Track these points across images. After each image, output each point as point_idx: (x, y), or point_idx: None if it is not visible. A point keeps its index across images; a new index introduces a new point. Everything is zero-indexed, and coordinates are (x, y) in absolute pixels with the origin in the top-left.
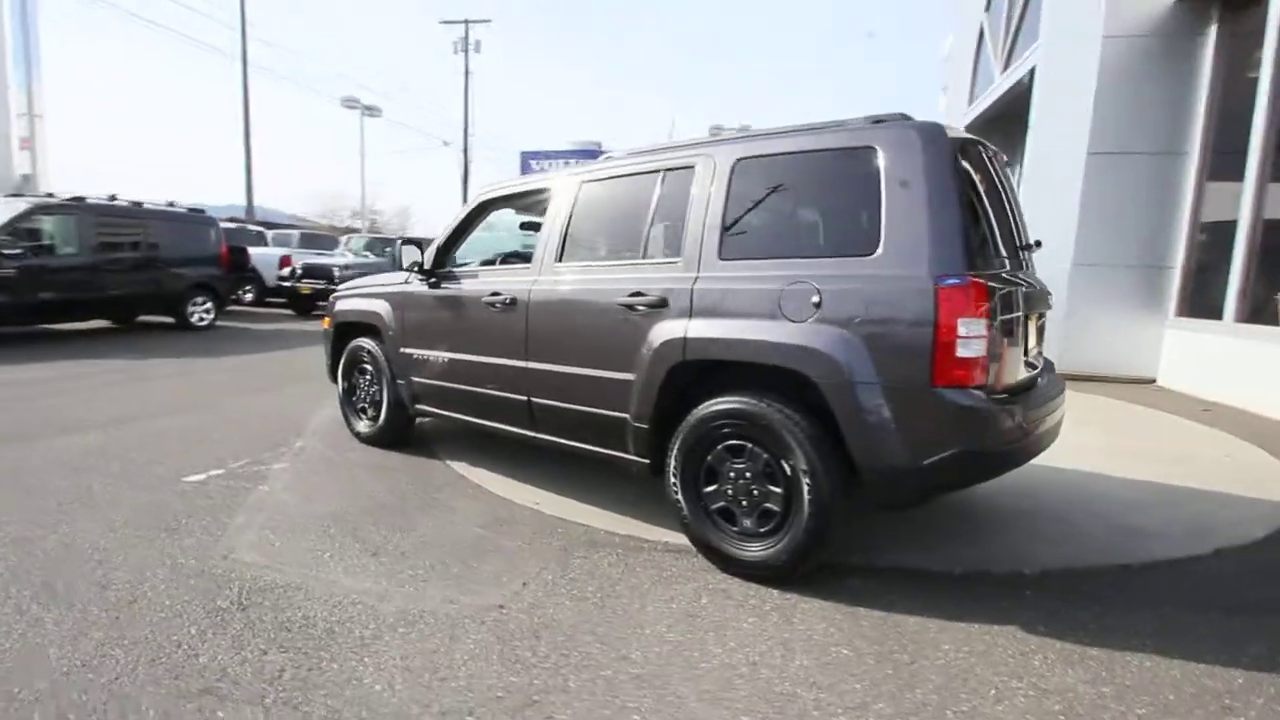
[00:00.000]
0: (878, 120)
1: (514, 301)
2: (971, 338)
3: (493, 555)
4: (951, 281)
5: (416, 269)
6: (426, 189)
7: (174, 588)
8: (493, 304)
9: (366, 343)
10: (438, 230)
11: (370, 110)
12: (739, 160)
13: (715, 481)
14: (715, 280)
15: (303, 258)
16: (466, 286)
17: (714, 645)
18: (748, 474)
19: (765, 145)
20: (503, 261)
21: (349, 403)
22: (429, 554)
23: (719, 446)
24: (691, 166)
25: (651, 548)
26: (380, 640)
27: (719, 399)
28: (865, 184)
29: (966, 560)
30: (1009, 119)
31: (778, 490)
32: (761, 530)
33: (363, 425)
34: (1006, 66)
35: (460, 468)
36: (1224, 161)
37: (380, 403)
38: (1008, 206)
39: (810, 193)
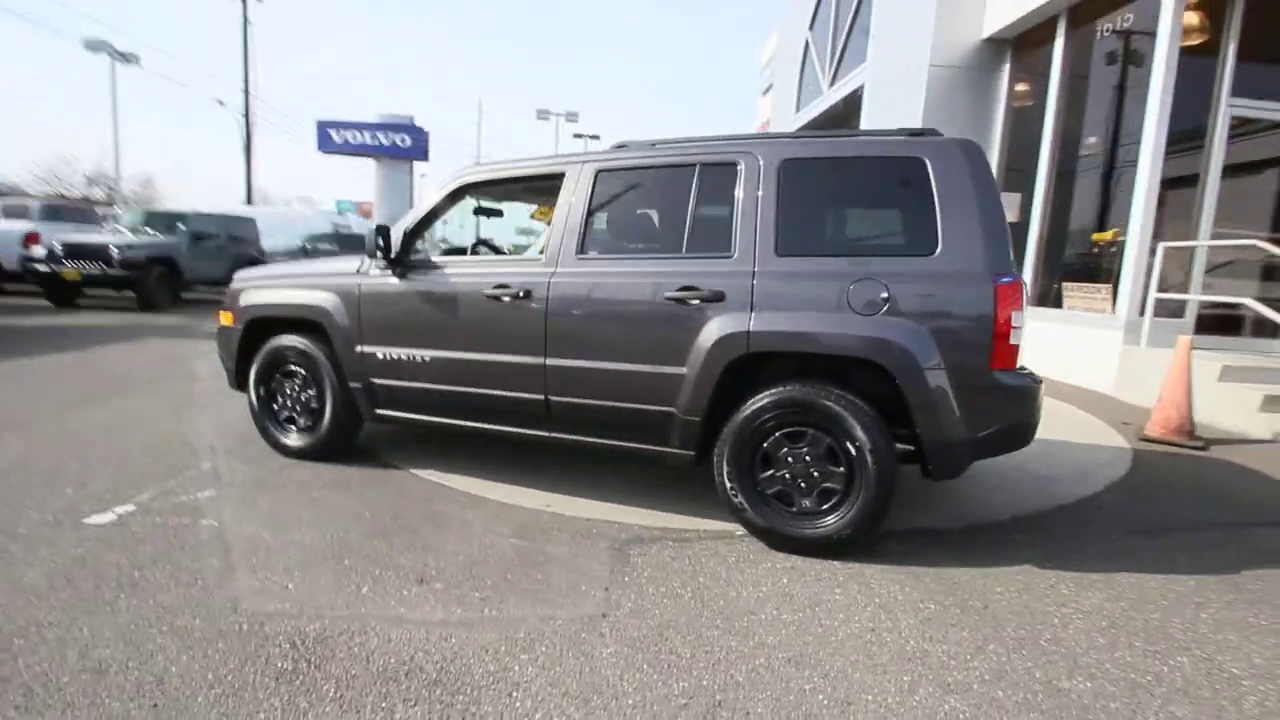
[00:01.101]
0: (916, 133)
1: (528, 295)
2: (1018, 327)
3: (548, 564)
4: (1006, 279)
5: (380, 257)
6: (196, 158)
7: (202, 658)
8: (498, 298)
9: (296, 341)
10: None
11: (125, 58)
12: (786, 161)
13: (771, 467)
14: (775, 276)
15: (57, 234)
16: (455, 279)
17: (826, 619)
18: (808, 457)
19: (811, 149)
20: (471, 251)
21: (268, 413)
22: (482, 572)
23: (776, 434)
24: (734, 164)
25: (695, 537)
26: (511, 671)
27: (775, 390)
28: (917, 190)
29: (956, 517)
30: (832, 127)
31: (839, 470)
32: (822, 508)
33: (293, 438)
34: (834, 82)
35: (431, 475)
36: (1014, 176)
37: (320, 410)
38: None
39: (862, 196)
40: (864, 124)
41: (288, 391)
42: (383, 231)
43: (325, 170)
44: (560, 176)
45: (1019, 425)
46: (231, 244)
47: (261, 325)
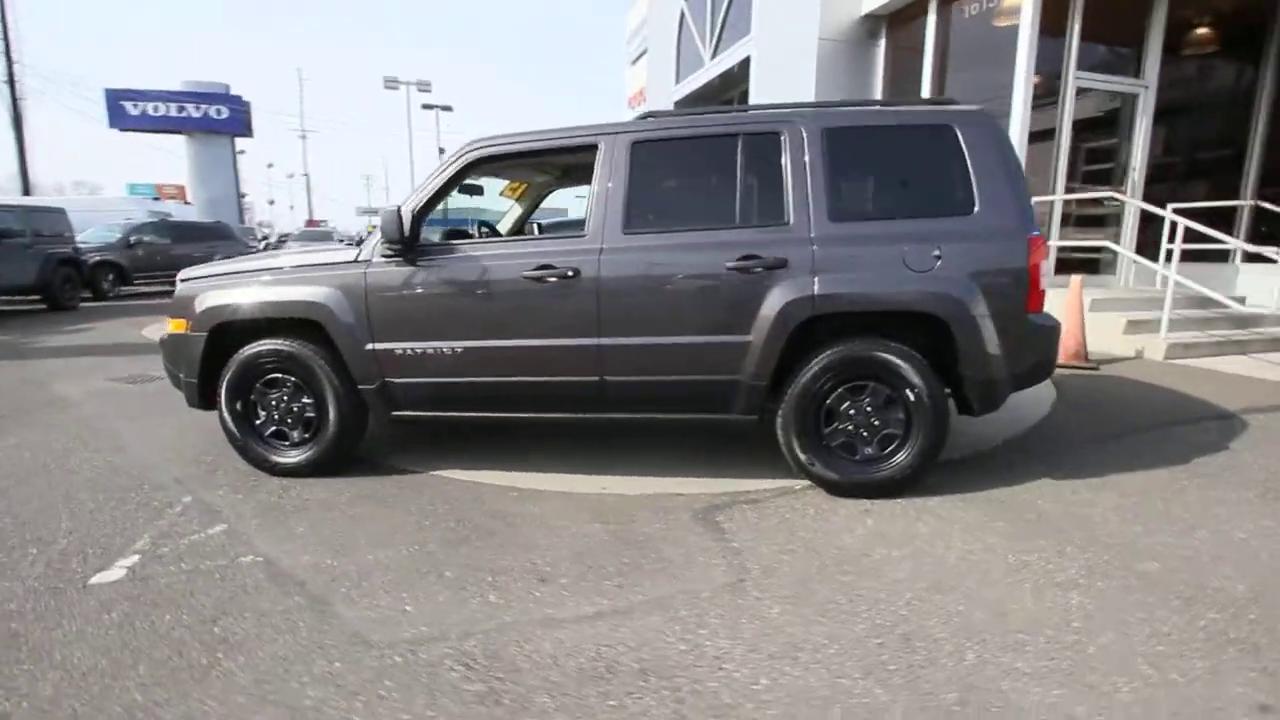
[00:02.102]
0: (938, 102)
1: (576, 275)
2: (1044, 274)
3: (651, 543)
4: (1035, 232)
5: (391, 244)
6: None
7: (383, 701)
8: (541, 279)
9: (280, 345)
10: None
11: None
12: (828, 130)
13: (833, 421)
14: (833, 240)
15: None
16: (484, 262)
17: (930, 549)
18: (869, 407)
19: (850, 119)
20: (482, 232)
21: (247, 430)
22: (595, 561)
23: (839, 389)
24: (776, 134)
25: (762, 496)
26: (705, 647)
27: (835, 349)
28: (951, 155)
29: (960, 448)
30: (713, 97)
31: (899, 416)
32: (884, 453)
33: (286, 454)
34: (716, 54)
35: (456, 475)
36: None
37: (320, 419)
38: None
39: (900, 161)
40: (754, 94)
41: (273, 403)
42: (403, 216)
43: (111, 150)
44: (591, 149)
45: (1047, 360)
46: (38, 241)
47: (231, 331)
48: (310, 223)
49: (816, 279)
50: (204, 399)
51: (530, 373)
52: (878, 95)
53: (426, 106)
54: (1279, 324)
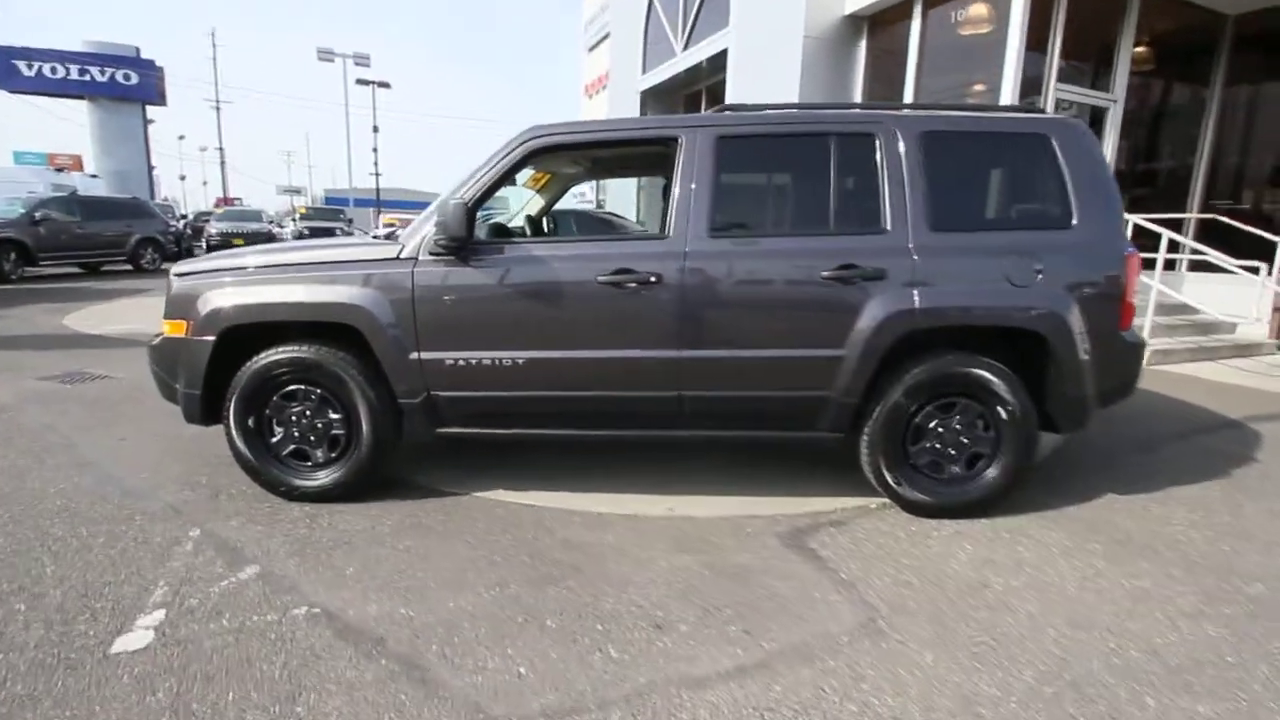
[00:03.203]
0: (1026, 110)
1: (658, 281)
2: (1136, 291)
3: (754, 576)
4: (1130, 249)
5: (451, 240)
6: None
7: None
8: (618, 284)
9: (303, 352)
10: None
11: None
12: (925, 135)
13: (921, 439)
14: (934, 251)
15: None
16: (551, 263)
17: (1044, 576)
18: (958, 425)
19: (945, 123)
20: (532, 228)
21: (261, 450)
22: (705, 602)
23: (928, 406)
24: (870, 135)
25: (845, 517)
26: (875, 703)
27: (928, 365)
28: (1048, 166)
29: None
30: (681, 88)
31: (988, 434)
32: (969, 472)
33: (313, 478)
34: (688, 45)
35: (502, 496)
36: None
37: (349, 436)
38: None
39: (999, 171)
40: (731, 89)
41: (292, 419)
42: (464, 209)
43: None
44: (668, 142)
45: (1131, 377)
46: None
47: (245, 335)
48: (225, 201)
49: (917, 291)
50: (207, 413)
51: (600, 387)
52: (857, 97)
53: (362, 82)
54: (1231, 330)
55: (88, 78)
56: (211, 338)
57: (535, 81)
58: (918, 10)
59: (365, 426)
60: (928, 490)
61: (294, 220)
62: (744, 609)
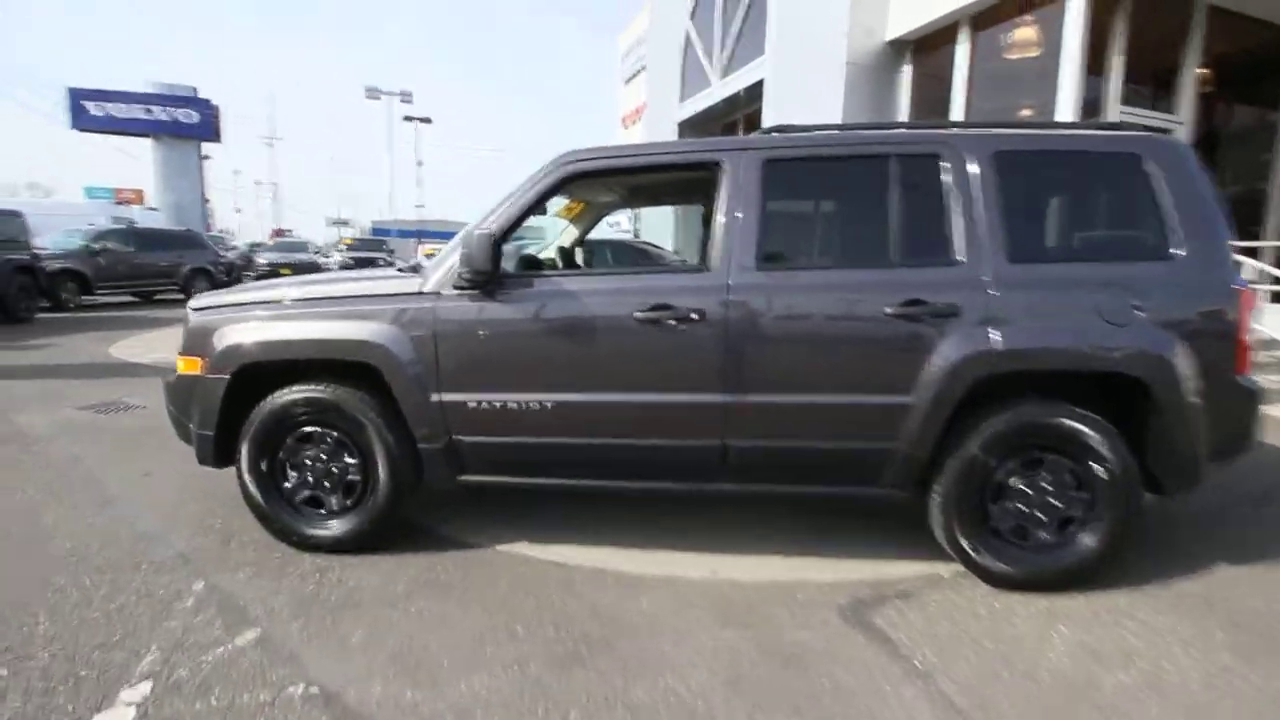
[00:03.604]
0: (1115, 126)
1: (701, 317)
2: (1252, 331)
3: (811, 660)
4: (1242, 283)
5: (476, 273)
6: None
7: None
8: (656, 321)
9: (321, 392)
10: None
11: None
12: (998, 154)
13: (1002, 499)
14: (1014, 285)
15: None
16: (583, 298)
17: (1155, 670)
18: (1047, 484)
19: (1021, 141)
20: (564, 261)
21: (274, 495)
22: (767, 695)
23: (1011, 462)
24: (934, 155)
25: (912, 589)
26: None
27: (1008, 413)
28: (1142, 189)
29: None
30: (719, 118)
31: (1081, 495)
32: (1060, 539)
33: (326, 527)
34: (726, 75)
35: (524, 550)
36: None
37: (365, 482)
38: None
39: (1084, 194)
40: (769, 117)
41: (307, 463)
42: (489, 240)
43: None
44: (711, 166)
45: (1250, 429)
46: None
47: (261, 373)
48: (278, 232)
49: (996, 330)
50: (220, 455)
51: (635, 434)
52: (903, 117)
53: (408, 118)
54: None
55: (151, 116)
56: (226, 376)
57: (574, 115)
58: (964, 34)
59: (382, 473)
60: (1011, 559)
61: (339, 251)
62: (802, 703)
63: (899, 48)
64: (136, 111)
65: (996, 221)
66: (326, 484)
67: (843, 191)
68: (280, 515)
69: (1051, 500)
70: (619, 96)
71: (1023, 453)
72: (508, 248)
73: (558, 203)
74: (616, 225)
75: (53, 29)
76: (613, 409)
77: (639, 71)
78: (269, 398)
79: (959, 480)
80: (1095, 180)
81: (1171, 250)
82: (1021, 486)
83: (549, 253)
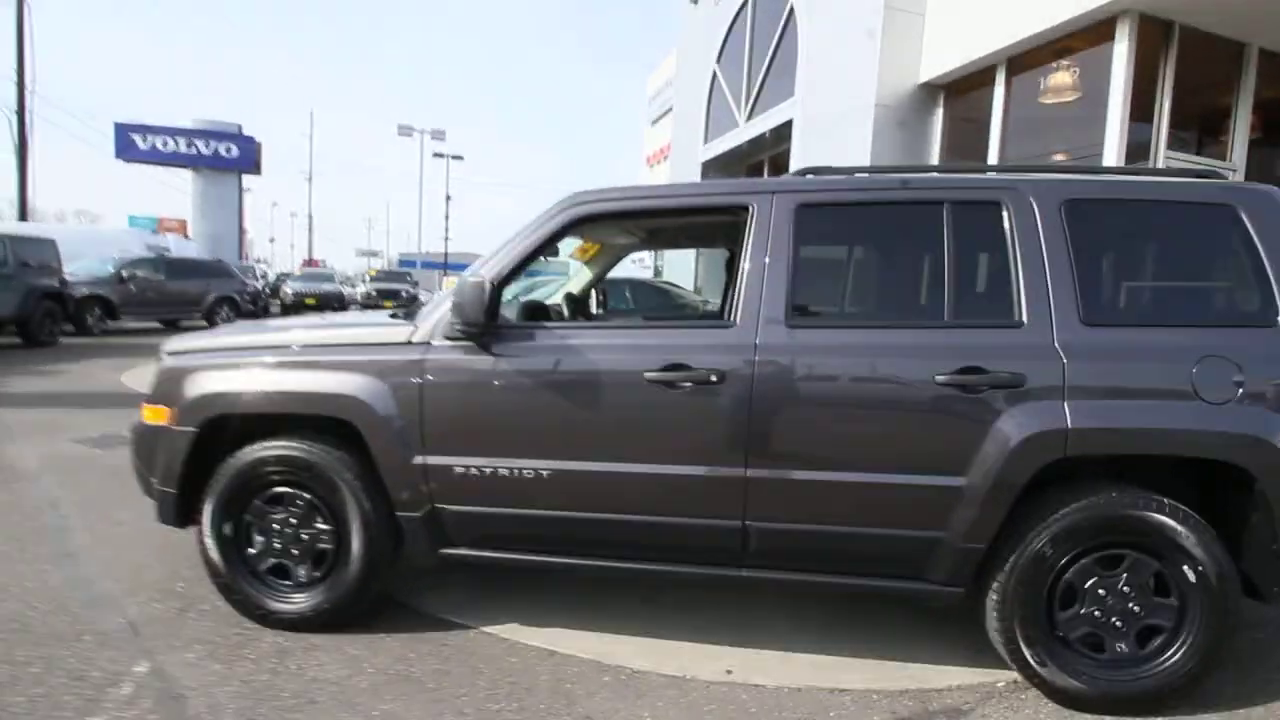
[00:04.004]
0: (1201, 174)
1: (721, 380)
2: None
3: None
4: None
5: (467, 325)
6: None
7: None
8: (670, 383)
9: (295, 449)
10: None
11: None
12: (1069, 203)
13: (1073, 603)
14: (1090, 352)
15: None
16: (588, 354)
17: None
18: (1126, 587)
19: (1097, 188)
20: (571, 311)
21: (238, 563)
22: None
23: (1084, 559)
24: (996, 203)
25: (957, 701)
26: None
27: (1083, 502)
28: (1237, 245)
29: None
30: (744, 159)
31: (1168, 601)
32: (1141, 652)
33: (292, 601)
34: (752, 116)
35: (510, 633)
36: None
37: (335, 554)
38: None
39: (1165, 249)
40: (797, 158)
41: (274, 527)
42: (488, 290)
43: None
44: (737, 211)
45: None
46: (23, 272)
47: (226, 426)
48: (309, 262)
49: (1070, 405)
50: (182, 514)
51: (644, 510)
52: (934, 160)
53: (438, 155)
54: None
55: (194, 150)
56: (192, 429)
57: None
58: (1000, 77)
59: (356, 543)
60: (1081, 673)
61: (364, 281)
62: None
63: (932, 91)
64: (180, 145)
65: (1066, 278)
66: (295, 552)
67: (887, 241)
68: (242, 585)
69: (1132, 606)
70: (645, 137)
71: (1098, 549)
72: (518, 292)
73: (572, 243)
74: (640, 261)
75: (113, 66)
76: (618, 480)
77: (666, 113)
78: (237, 454)
79: (1021, 578)
80: (1181, 234)
81: (1277, 316)
82: (1096, 588)
83: (558, 298)
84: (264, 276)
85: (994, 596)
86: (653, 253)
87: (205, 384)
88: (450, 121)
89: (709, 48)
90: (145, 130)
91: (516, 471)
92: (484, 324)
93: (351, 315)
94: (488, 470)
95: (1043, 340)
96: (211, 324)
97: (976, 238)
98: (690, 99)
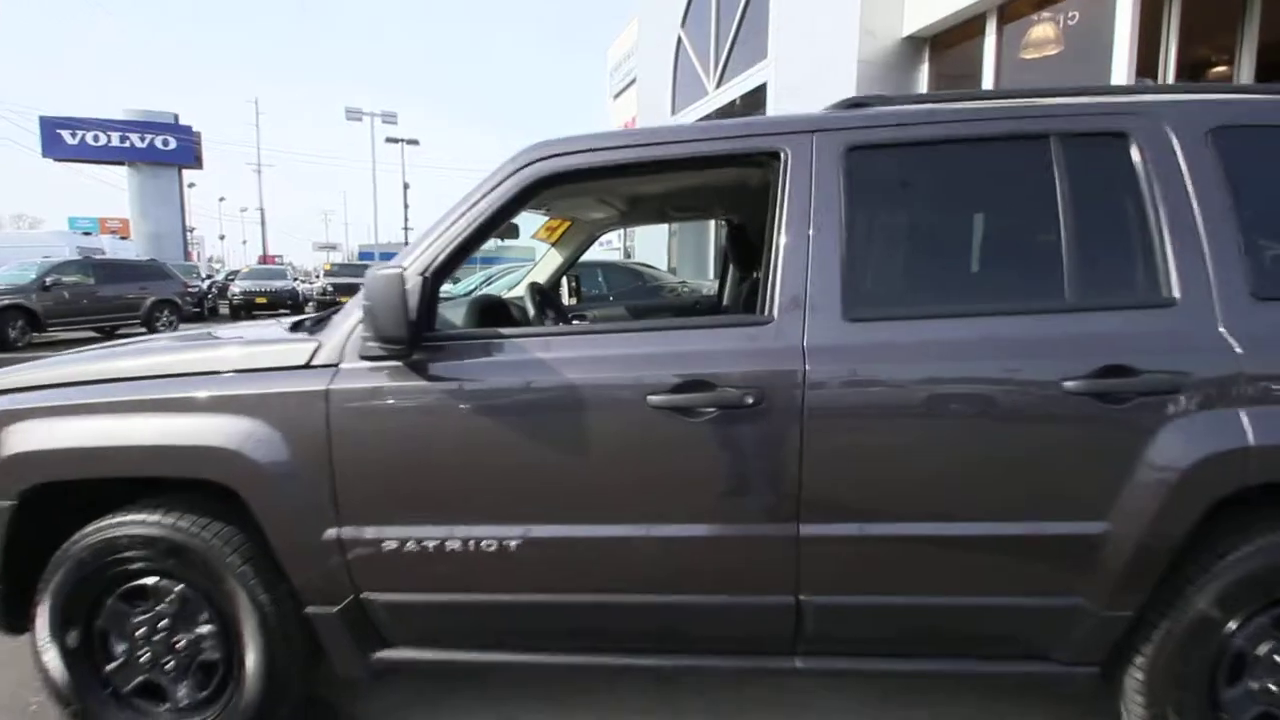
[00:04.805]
0: None
1: (758, 401)
2: None
3: None
4: None
5: (385, 342)
6: None
7: None
8: (687, 409)
9: (157, 524)
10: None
11: None
12: (1217, 131)
13: (1243, 678)
14: (1272, 338)
15: None
16: (563, 370)
17: None
18: None
19: (1264, 110)
20: (539, 311)
21: (91, 682)
22: None
23: (1262, 617)
24: (1122, 134)
25: None
26: None
27: (1253, 544)
28: None
29: None
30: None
31: None
32: None
33: None
34: (722, 82)
35: None
36: None
37: (226, 666)
38: None
39: None
40: None
41: (138, 631)
42: (408, 289)
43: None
44: (761, 159)
45: None
46: None
47: (55, 496)
48: (266, 259)
49: (1250, 415)
50: (9, 616)
51: (653, 588)
52: None
53: (391, 140)
54: None
55: (128, 144)
56: (8, 502)
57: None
58: (991, 26)
59: (252, 652)
60: None
61: (318, 276)
62: None
63: (916, 45)
64: (112, 139)
65: (1228, 236)
66: (168, 666)
67: (974, 192)
68: (100, 711)
69: None
70: (608, 110)
71: (1276, 606)
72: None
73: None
74: (608, 244)
75: (42, 62)
76: (616, 549)
77: (629, 84)
78: (79, 534)
79: (1179, 649)
80: None
81: None
82: (1273, 655)
83: (520, 290)
84: (210, 276)
85: (1138, 675)
86: (621, 231)
87: (20, 439)
88: (404, 104)
89: (672, 11)
90: (73, 125)
91: (472, 543)
92: (410, 336)
93: (241, 327)
94: (430, 543)
95: (1203, 324)
96: (152, 330)
97: (1099, 184)
98: (654, 68)
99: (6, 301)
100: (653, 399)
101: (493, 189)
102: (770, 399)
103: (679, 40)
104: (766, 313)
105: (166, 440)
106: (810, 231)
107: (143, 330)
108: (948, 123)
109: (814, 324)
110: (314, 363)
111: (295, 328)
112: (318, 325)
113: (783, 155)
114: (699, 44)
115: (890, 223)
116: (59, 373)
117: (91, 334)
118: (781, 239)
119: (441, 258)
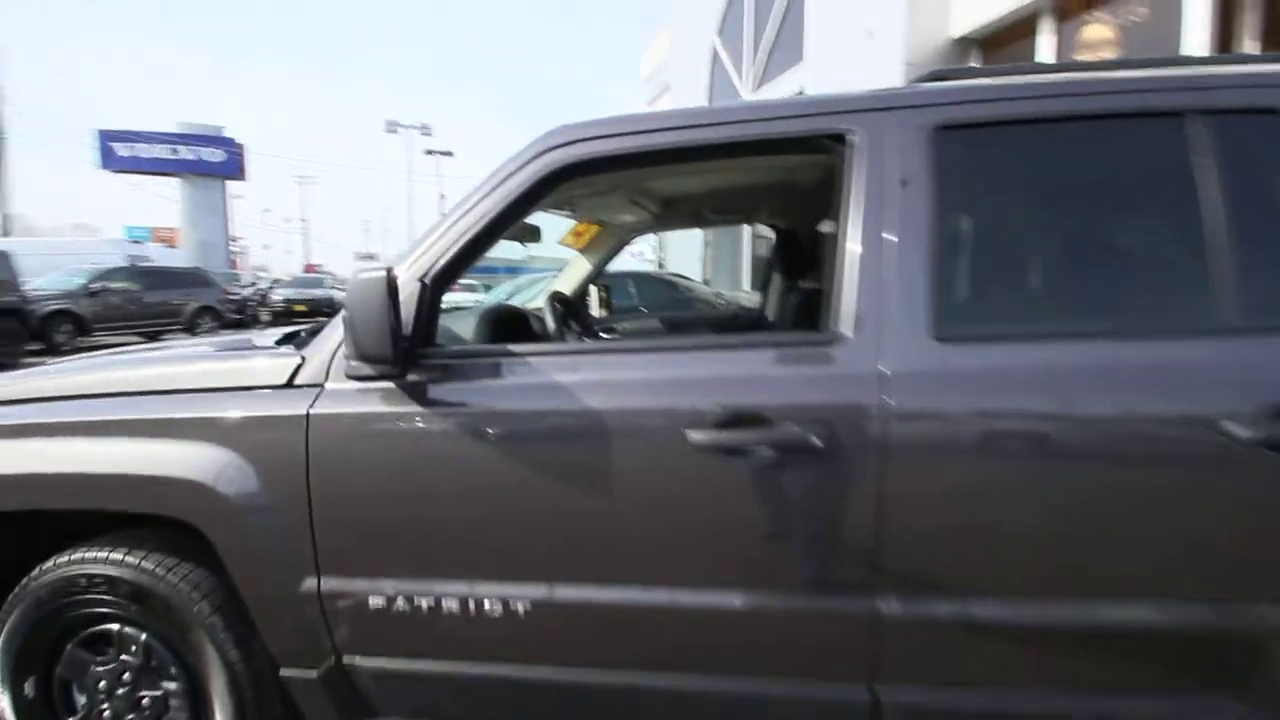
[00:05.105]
0: None
1: (827, 438)
2: None
3: None
4: None
5: (361, 357)
6: None
7: None
8: (739, 450)
9: (113, 565)
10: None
11: None
12: None
13: None
14: None
15: None
16: (585, 397)
17: None
18: None
19: None
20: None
21: None
22: None
23: None
24: (1272, 110)
25: None
26: None
27: None
28: None
29: None
30: None
31: None
32: None
33: None
34: (758, 87)
35: None
36: None
37: None
38: None
39: None
40: None
41: (99, 684)
42: (399, 297)
43: (112, 192)
44: (826, 143)
45: None
46: None
47: (18, 524)
48: (309, 268)
49: None
50: None
51: (693, 666)
52: None
53: (428, 152)
54: None
55: (178, 156)
56: None
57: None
58: (1047, 25)
59: (221, 716)
60: None
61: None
62: None
63: (964, 46)
64: (163, 151)
65: None
66: None
67: (1096, 183)
68: None
69: None
70: None
71: None
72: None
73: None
74: (639, 255)
75: (100, 78)
76: (647, 618)
77: (663, 92)
78: (38, 569)
79: None
80: None
81: None
82: None
83: (540, 302)
84: (253, 283)
85: None
86: (654, 242)
87: None
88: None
89: (707, 20)
90: (127, 138)
91: (473, 604)
92: (400, 353)
93: (229, 337)
94: (424, 602)
95: None
96: (193, 335)
97: (1257, 173)
98: (688, 76)
99: (54, 306)
100: (693, 435)
101: (505, 179)
102: (839, 435)
103: (714, 49)
104: (832, 328)
105: (119, 469)
106: (886, 235)
107: (185, 335)
108: (1068, 96)
109: (893, 344)
110: (296, 382)
111: (286, 340)
112: (311, 337)
113: (850, 139)
114: (734, 50)
115: (986, 214)
116: (14, 388)
117: (136, 338)
118: (849, 240)
119: (444, 260)
